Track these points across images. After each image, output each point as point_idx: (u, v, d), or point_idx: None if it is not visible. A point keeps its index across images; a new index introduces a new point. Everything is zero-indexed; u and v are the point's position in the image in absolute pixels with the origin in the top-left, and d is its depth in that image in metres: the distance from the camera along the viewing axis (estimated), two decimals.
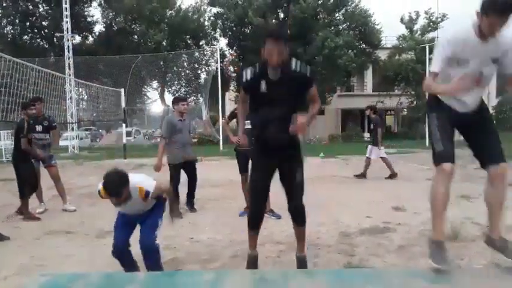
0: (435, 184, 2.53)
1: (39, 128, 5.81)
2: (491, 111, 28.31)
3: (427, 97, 2.72)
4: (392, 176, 8.75)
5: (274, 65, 2.67)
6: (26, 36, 28.16)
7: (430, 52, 23.82)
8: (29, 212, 5.50)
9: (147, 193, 2.94)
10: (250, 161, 3.70)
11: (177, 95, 27.38)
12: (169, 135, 5.60)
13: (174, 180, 5.57)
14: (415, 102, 26.75)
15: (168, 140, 5.59)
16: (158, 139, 29.46)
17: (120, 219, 3.16)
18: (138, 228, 3.14)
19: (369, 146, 9.02)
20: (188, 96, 29.00)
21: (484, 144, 2.56)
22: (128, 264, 3.07)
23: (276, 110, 2.76)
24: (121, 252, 3.03)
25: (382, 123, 9.07)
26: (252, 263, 3.14)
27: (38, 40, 28.60)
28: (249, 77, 2.82)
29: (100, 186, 2.85)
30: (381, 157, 8.88)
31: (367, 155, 8.97)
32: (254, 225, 3.09)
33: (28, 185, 5.52)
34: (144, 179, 3.07)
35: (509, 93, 3.17)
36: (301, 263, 3.14)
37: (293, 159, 2.96)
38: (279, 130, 2.78)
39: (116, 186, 2.74)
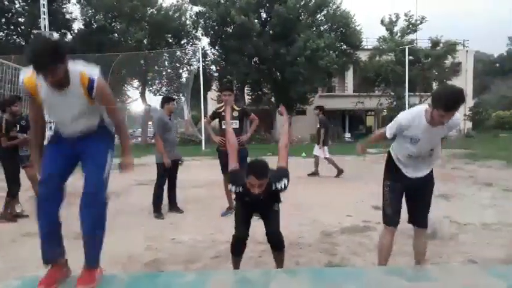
0: (381, 238, 3.12)
1: (16, 127, 5.66)
2: (467, 112, 29.00)
3: (385, 162, 3.17)
4: (339, 173, 9.07)
5: (256, 196, 2.86)
6: (1, 33, 27.39)
7: (410, 54, 24.30)
8: (7, 212, 5.37)
9: (91, 81, 2.22)
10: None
11: (166, 94, 27.30)
12: (162, 132, 5.61)
13: (161, 180, 5.65)
14: (394, 103, 27.20)
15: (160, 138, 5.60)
16: (139, 139, 28.89)
17: (50, 149, 2.40)
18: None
19: (316, 146, 9.40)
20: (170, 95, 28.74)
21: (417, 210, 3.09)
22: (48, 212, 2.32)
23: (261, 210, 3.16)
24: (49, 188, 2.30)
25: (327, 124, 9.43)
26: None
27: (15, 37, 27.80)
28: (237, 190, 3.06)
29: (25, 72, 2.19)
30: (325, 157, 9.25)
31: (316, 154, 9.39)
32: (238, 252, 3.15)
33: (15, 183, 5.41)
34: (89, 67, 2.31)
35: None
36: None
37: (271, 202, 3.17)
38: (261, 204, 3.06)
39: (46, 54, 1.96)
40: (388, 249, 3.07)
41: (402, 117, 2.90)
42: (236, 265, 3.20)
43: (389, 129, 2.99)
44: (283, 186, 3.01)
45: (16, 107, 5.60)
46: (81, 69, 2.25)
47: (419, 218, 3.09)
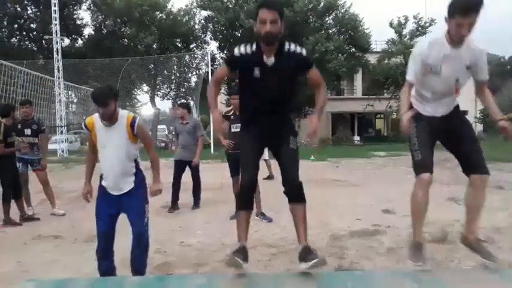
0: (414, 192, 2.69)
1: (27, 131, 5.73)
2: (478, 115, 28.68)
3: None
4: (269, 177, 9.02)
5: (268, 38, 2.44)
6: (14, 39, 27.84)
7: None
8: (9, 217, 5.38)
9: (133, 121, 2.91)
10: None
11: (174, 98, 27.82)
12: (175, 136, 6.63)
13: (173, 178, 6.37)
14: None
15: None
16: None
17: (102, 204, 2.99)
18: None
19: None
20: (178, 99, 28.89)
21: (466, 153, 2.66)
22: (107, 268, 2.98)
23: (271, 95, 2.57)
24: (105, 242, 2.96)
25: None
26: (242, 255, 2.51)
27: (27, 43, 28.25)
28: (243, 52, 2.57)
29: (88, 118, 2.98)
30: (263, 159, 9.12)
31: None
32: (246, 202, 2.67)
33: (8, 189, 5.40)
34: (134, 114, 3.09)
35: (481, 102, 3.29)
36: (307, 254, 2.50)
37: (286, 132, 2.71)
38: (273, 116, 2.63)
39: (104, 94, 2.78)
40: (424, 204, 2.65)
41: (418, 46, 2.62)
42: (243, 229, 2.67)
43: (409, 72, 2.64)
44: (298, 50, 2.54)
45: (27, 108, 5.74)
46: (127, 113, 2.98)
47: (474, 161, 2.64)
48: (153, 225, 5.21)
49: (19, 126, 5.70)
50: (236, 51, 2.59)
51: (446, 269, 3.34)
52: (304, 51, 2.58)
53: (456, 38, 2.46)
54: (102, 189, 3.01)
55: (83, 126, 3.04)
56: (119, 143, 2.92)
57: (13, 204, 5.46)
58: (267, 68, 2.52)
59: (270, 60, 2.53)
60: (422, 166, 2.62)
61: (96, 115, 2.92)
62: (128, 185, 2.99)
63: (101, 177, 3.01)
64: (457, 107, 2.80)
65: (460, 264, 3.63)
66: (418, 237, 2.81)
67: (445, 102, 2.68)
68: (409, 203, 2.78)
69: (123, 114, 2.93)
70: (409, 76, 2.65)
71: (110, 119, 2.85)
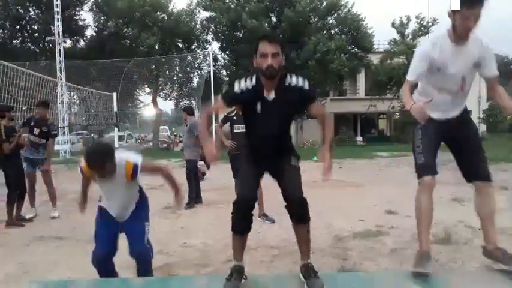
0: (418, 197, 2.63)
1: (36, 131, 5.75)
2: (481, 114, 28.54)
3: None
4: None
5: (271, 72, 2.36)
6: (16, 40, 27.92)
7: None
8: (12, 219, 5.39)
9: (135, 167, 2.64)
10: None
11: (176, 99, 28.04)
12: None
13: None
14: None
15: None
16: (151, 143, 29.31)
17: (101, 225, 2.87)
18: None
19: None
20: (180, 100, 28.94)
21: (471, 160, 2.62)
22: (107, 275, 2.84)
23: (271, 130, 2.50)
24: (104, 263, 2.79)
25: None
26: (236, 275, 2.45)
27: (29, 44, 28.32)
28: (243, 87, 2.50)
29: (82, 162, 2.62)
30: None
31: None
32: (240, 226, 2.50)
33: (14, 190, 5.42)
34: (132, 154, 2.77)
35: (494, 101, 3.21)
36: (309, 273, 2.47)
37: (286, 153, 2.65)
38: (273, 148, 2.57)
39: (98, 157, 2.48)
40: (429, 208, 2.57)
41: (422, 45, 2.55)
42: (237, 250, 2.54)
43: (411, 72, 2.56)
44: (300, 84, 2.43)
45: (39, 110, 5.81)
46: (125, 157, 2.66)
47: (478, 168, 2.61)
48: (155, 227, 5.20)
49: (31, 123, 5.76)
50: (236, 87, 2.51)
51: (450, 270, 3.31)
52: (306, 84, 2.45)
53: (463, 32, 2.40)
54: (101, 209, 2.89)
55: (79, 170, 2.73)
56: (120, 189, 2.75)
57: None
58: (268, 103, 2.45)
59: (271, 94, 2.46)
60: (425, 168, 2.56)
61: None
62: (131, 210, 2.90)
63: (100, 198, 2.90)
64: (466, 110, 2.74)
65: (463, 265, 3.61)
66: (426, 246, 2.64)
67: (453, 102, 2.61)
68: (413, 203, 2.72)
69: (121, 163, 2.63)
70: (410, 76, 2.59)
71: (108, 176, 2.61)
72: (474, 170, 2.62)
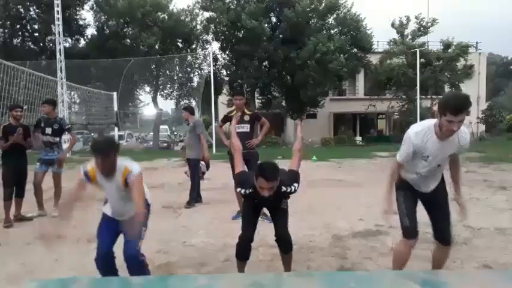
0: (398, 250, 3.11)
1: (48, 130, 5.75)
2: (480, 115, 28.56)
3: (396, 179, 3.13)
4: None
5: (266, 197, 2.90)
6: (16, 40, 27.90)
7: (421, 56, 24.09)
8: (8, 217, 5.37)
9: (128, 174, 2.84)
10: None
11: (177, 99, 28.20)
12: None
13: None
14: (406, 106, 26.98)
15: None
16: (151, 143, 29.26)
17: (103, 224, 3.07)
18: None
19: None
20: (181, 100, 28.92)
21: (438, 223, 3.07)
22: (108, 272, 2.98)
23: (268, 206, 3.32)
24: (105, 259, 2.96)
25: None
26: None
27: (29, 43, 28.29)
28: (243, 193, 3.11)
29: (88, 166, 2.88)
30: None
31: None
32: (243, 256, 3.15)
33: (8, 188, 5.41)
34: (134, 164, 2.93)
35: (450, 171, 3.57)
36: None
37: (280, 197, 3.16)
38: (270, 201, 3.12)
39: (104, 145, 2.75)
40: (405, 261, 3.05)
41: (413, 136, 2.83)
42: (240, 268, 3.21)
43: (400, 154, 2.95)
44: (292, 190, 3.03)
45: (45, 107, 5.83)
46: (126, 164, 2.88)
47: (443, 234, 3.06)
48: (155, 226, 5.23)
49: (42, 124, 5.76)
50: (241, 191, 3.11)
51: (449, 270, 3.33)
52: (294, 188, 3.03)
53: (447, 133, 2.68)
54: (105, 214, 3.10)
55: (82, 174, 2.91)
56: (119, 191, 2.93)
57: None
58: (265, 198, 2.92)
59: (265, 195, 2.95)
60: (410, 233, 2.99)
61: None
62: (131, 212, 2.95)
63: (105, 202, 3.09)
64: (442, 181, 3.09)
65: (462, 265, 3.63)
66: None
67: (429, 181, 3.00)
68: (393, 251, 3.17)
69: (121, 167, 2.86)
70: (400, 157, 2.94)
71: (109, 171, 2.81)
72: (440, 235, 3.06)
